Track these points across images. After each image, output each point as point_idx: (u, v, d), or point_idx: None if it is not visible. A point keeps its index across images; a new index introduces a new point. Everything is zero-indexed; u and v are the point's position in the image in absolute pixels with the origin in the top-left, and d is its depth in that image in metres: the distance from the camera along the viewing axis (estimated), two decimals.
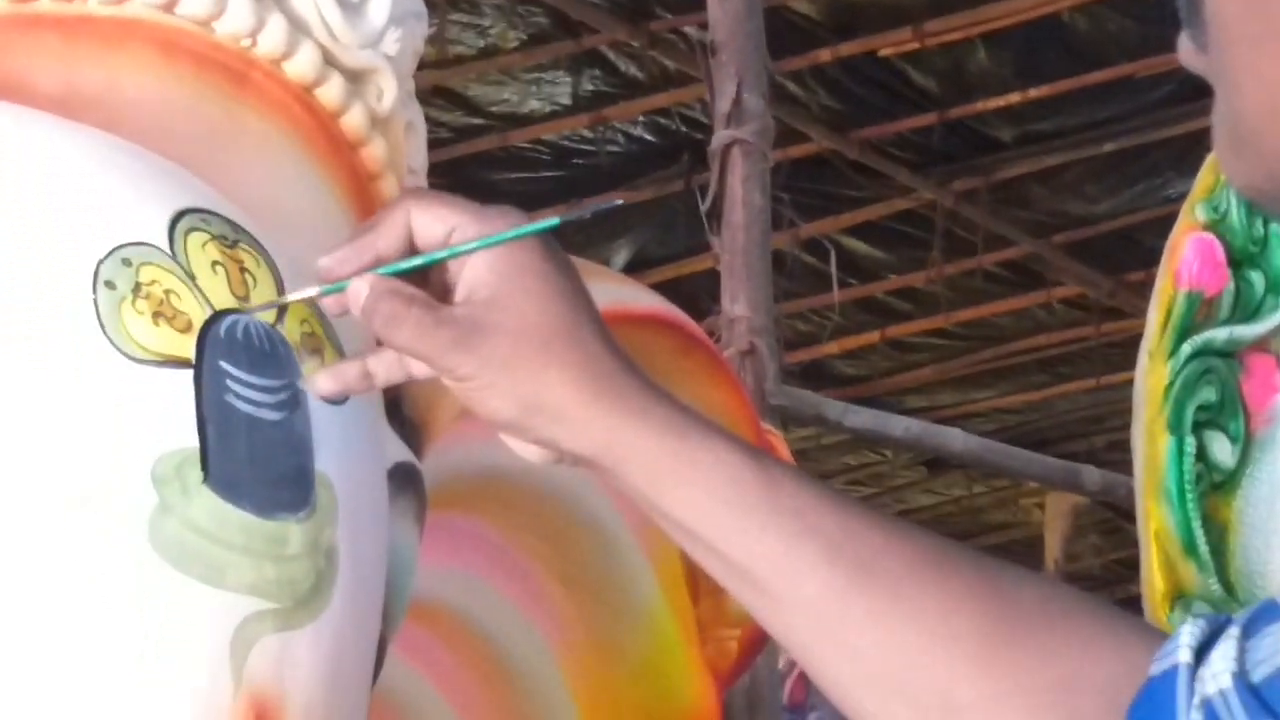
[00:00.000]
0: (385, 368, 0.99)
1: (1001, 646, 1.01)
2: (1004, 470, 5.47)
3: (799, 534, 0.99)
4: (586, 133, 5.78)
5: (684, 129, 5.72)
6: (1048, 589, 1.08)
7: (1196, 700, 0.96)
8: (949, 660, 1.00)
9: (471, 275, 0.99)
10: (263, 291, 0.92)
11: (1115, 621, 1.06)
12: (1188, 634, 0.99)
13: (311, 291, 0.95)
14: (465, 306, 0.98)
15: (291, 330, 0.92)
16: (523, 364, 0.99)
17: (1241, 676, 0.97)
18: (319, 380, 0.94)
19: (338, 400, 0.94)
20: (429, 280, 0.99)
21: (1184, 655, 0.98)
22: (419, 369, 0.99)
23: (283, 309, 0.93)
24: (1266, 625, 0.99)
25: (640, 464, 1.00)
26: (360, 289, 0.95)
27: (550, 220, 1.01)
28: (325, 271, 0.96)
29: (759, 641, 1.55)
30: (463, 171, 5.44)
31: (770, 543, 0.99)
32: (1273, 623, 0.99)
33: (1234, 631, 0.99)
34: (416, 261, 0.97)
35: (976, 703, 1.00)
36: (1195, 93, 5.40)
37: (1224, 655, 0.98)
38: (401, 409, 1.10)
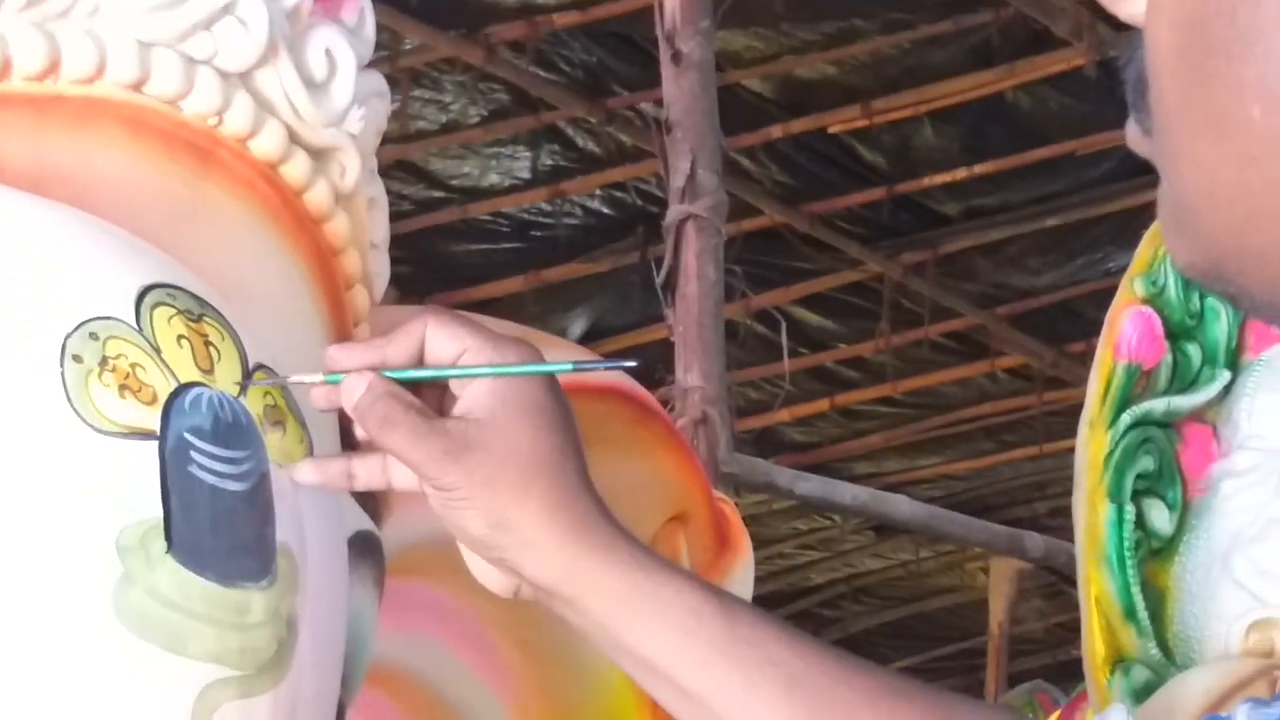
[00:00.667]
0: (367, 471, 1.01)
1: None
2: (949, 536, 5.48)
3: (759, 665, 1.01)
4: (545, 206, 5.80)
5: (639, 203, 5.73)
6: (996, 715, 1.11)
7: None
8: None
9: (472, 394, 1.01)
10: (227, 365, 0.91)
11: None
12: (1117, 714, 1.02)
13: (316, 378, 0.97)
14: (460, 422, 1.00)
15: (254, 403, 0.92)
16: (504, 486, 1.00)
17: None
18: (302, 470, 0.95)
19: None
20: (424, 392, 1.01)
21: None
22: (399, 479, 1.01)
23: (244, 384, 0.92)
24: None
25: (602, 596, 1.02)
26: (355, 385, 0.97)
27: (564, 364, 1.06)
28: (330, 359, 0.98)
29: None
30: (424, 243, 5.45)
31: (729, 675, 1.01)
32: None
33: None
34: (423, 374, 1.00)
35: None
36: (1134, 170, 5.45)
37: None
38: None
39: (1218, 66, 0.78)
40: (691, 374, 2.63)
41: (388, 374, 0.99)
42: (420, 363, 1.01)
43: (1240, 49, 0.77)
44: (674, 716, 1.05)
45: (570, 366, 1.06)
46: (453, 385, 1.02)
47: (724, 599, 1.04)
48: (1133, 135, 0.85)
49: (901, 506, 4.20)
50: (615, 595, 1.01)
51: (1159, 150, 0.82)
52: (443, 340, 1.01)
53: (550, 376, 1.03)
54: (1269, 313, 0.83)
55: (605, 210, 5.83)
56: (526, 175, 5.67)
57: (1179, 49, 0.80)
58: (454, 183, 5.63)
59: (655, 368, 3.60)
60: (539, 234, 5.90)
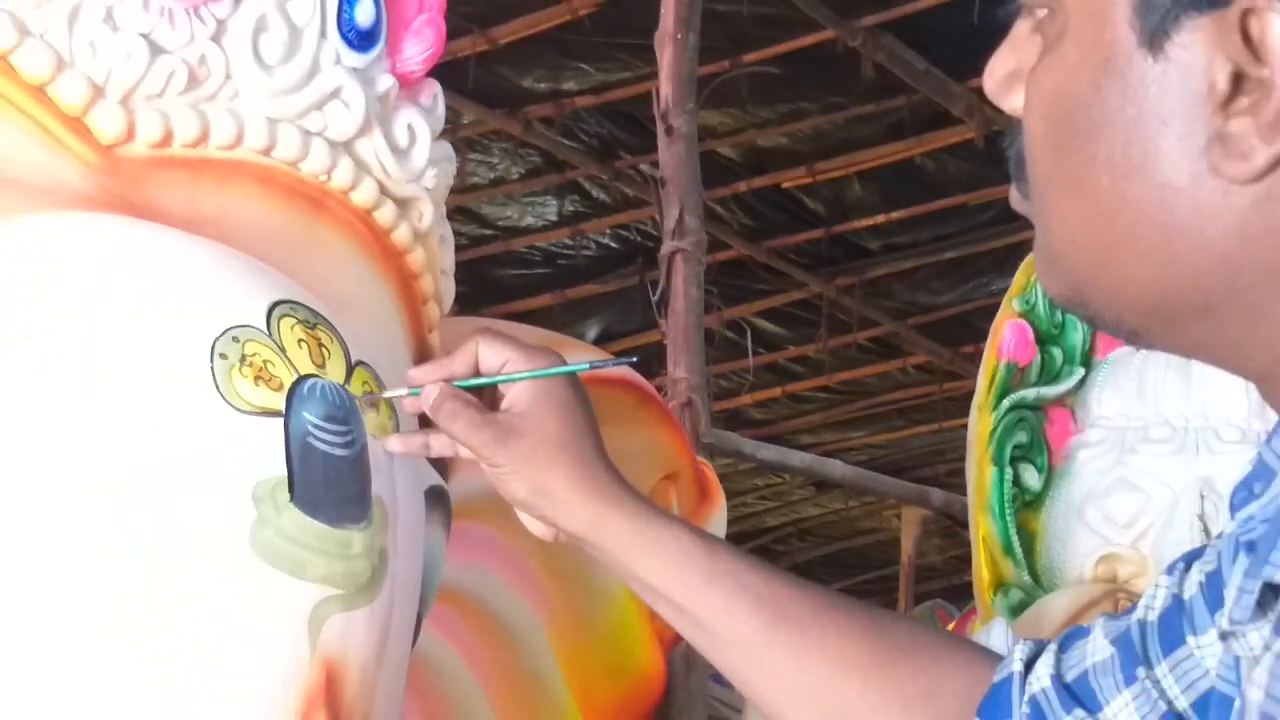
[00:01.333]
0: (439, 444, 1.03)
1: (884, 666, 1.05)
2: (872, 490, 5.47)
3: (733, 589, 1.03)
4: (568, 241, 5.78)
5: (639, 239, 5.72)
6: (915, 627, 1.13)
7: (1025, 698, 0.99)
8: (845, 678, 1.04)
9: (514, 393, 1.03)
10: (335, 361, 0.91)
11: (965, 647, 1.10)
12: (1019, 651, 1.02)
13: (401, 392, 0.99)
14: (505, 415, 1.03)
15: (356, 389, 0.92)
16: (540, 461, 1.02)
17: (1058, 678, 0.98)
18: (391, 441, 0.96)
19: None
20: (483, 393, 1.03)
21: (1016, 665, 1.01)
22: (463, 451, 1.03)
23: (349, 374, 0.92)
24: (1075, 641, 1.00)
25: (617, 540, 1.04)
26: (429, 393, 1.00)
27: (582, 364, 1.07)
28: (412, 378, 1.01)
29: None
30: (476, 269, 5.44)
31: (713, 595, 1.03)
32: (1079, 639, 1.00)
33: (1052, 647, 1.01)
34: (477, 381, 1.02)
35: (865, 707, 1.03)
36: (1011, 217, 5.40)
37: (1045, 664, 1.00)
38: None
39: (1077, 147, 0.78)
40: (679, 369, 2.62)
41: (455, 384, 1.01)
42: (476, 372, 1.03)
43: (1093, 134, 0.77)
44: (672, 626, 1.07)
45: (587, 366, 1.07)
46: (500, 386, 1.02)
47: (708, 539, 1.06)
48: (1014, 198, 0.85)
49: (836, 468, 4.20)
50: (627, 538, 1.03)
51: (1034, 209, 0.82)
52: (490, 354, 1.03)
53: (573, 375, 1.05)
54: (1115, 330, 0.83)
55: (613, 245, 5.82)
56: (554, 218, 5.66)
57: (1048, 134, 0.80)
58: (499, 223, 5.62)
59: (652, 364, 3.61)
60: (563, 262, 5.89)
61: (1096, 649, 0.98)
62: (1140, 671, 0.95)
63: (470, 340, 1.04)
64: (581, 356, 1.41)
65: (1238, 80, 0.72)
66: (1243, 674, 0.82)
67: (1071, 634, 1.02)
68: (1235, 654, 0.83)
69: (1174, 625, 0.94)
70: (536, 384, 1.02)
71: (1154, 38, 0.73)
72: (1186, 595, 0.94)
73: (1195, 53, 0.73)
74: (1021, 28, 0.82)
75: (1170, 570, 0.98)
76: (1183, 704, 0.93)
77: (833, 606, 1.05)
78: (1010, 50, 0.83)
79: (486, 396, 1.04)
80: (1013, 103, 0.82)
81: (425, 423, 1.05)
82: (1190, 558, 0.96)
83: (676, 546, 1.03)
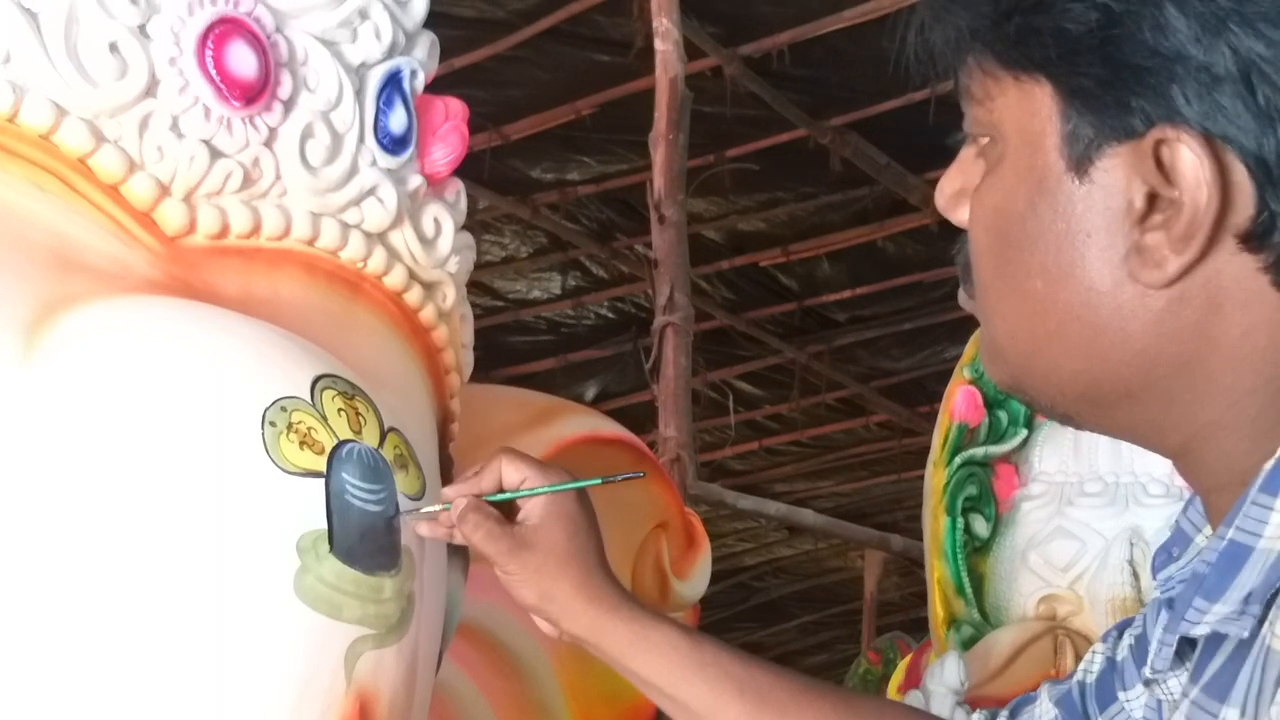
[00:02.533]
0: (460, 534, 1.02)
1: None
2: (838, 534, 5.46)
3: (719, 679, 1.03)
4: (569, 312, 5.78)
5: (633, 310, 5.73)
6: (884, 704, 1.13)
7: None
8: None
9: (530, 508, 1.04)
10: (371, 428, 0.91)
11: None
12: (975, 718, 1.03)
13: (436, 507, 0.99)
14: (520, 528, 1.03)
15: (388, 453, 0.92)
16: (548, 571, 1.03)
17: None
18: (420, 526, 0.95)
19: (417, 498, 0.94)
20: (504, 506, 1.04)
21: None
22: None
23: (383, 439, 0.92)
24: (1024, 707, 1.02)
25: (613, 641, 1.03)
26: (458, 506, 1.00)
27: (593, 480, 1.06)
28: (445, 495, 1.01)
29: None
30: (489, 336, 5.44)
31: (700, 686, 1.03)
32: (1027, 705, 1.01)
33: (1004, 713, 1.02)
34: (499, 496, 1.02)
35: None
36: None
37: None
38: None
39: (1014, 256, 0.79)
40: (669, 428, 2.62)
41: (484, 497, 1.02)
42: (499, 488, 1.03)
43: (1028, 244, 0.78)
44: (667, 713, 1.07)
45: (600, 481, 1.07)
46: (517, 500, 1.03)
47: (695, 636, 1.06)
48: (962, 298, 0.86)
49: (808, 517, 4.19)
50: (623, 639, 1.03)
51: (979, 308, 0.83)
52: (511, 471, 1.04)
53: (582, 491, 1.05)
54: (1050, 413, 0.84)
55: (610, 315, 5.82)
56: (558, 291, 5.66)
57: (990, 245, 0.81)
58: (509, 296, 5.63)
59: (644, 422, 3.61)
60: (565, 330, 5.89)
61: (1043, 712, 1.00)
62: None
63: (494, 459, 1.04)
64: (581, 420, 1.41)
65: (1152, 200, 0.74)
66: (1164, 716, 0.83)
67: (1020, 701, 1.03)
68: (1158, 698, 0.84)
69: (1108, 684, 0.96)
70: (549, 501, 1.03)
71: (1080, 163, 0.75)
72: (1119, 657, 0.95)
73: (1115, 176, 0.75)
74: (967, 153, 0.84)
75: (1105, 638, 0.99)
76: None
77: (810, 689, 1.04)
78: (957, 171, 0.84)
79: (507, 509, 1.04)
80: (960, 216, 0.84)
81: (446, 479, 1.06)
82: (1122, 626, 0.97)
83: (666, 645, 1.03)
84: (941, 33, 0.80)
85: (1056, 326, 0.77)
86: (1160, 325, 0.75)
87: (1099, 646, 0.98)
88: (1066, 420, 0.83)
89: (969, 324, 2.69)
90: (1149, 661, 0.81)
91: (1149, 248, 0.74)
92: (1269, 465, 0.72)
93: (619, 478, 1.11)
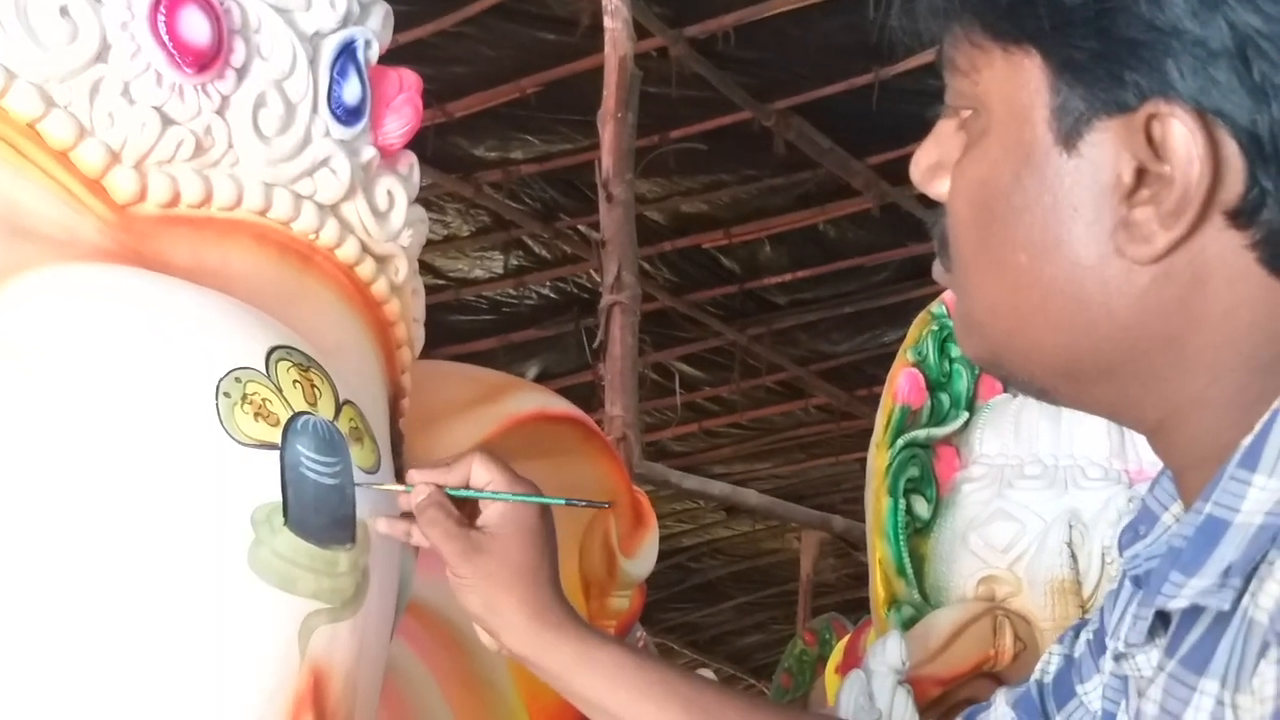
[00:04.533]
0: (418, 536, 1.01)
1: None
2: (777, 515, 5.49)
3: (665, 696, 1.01)
4: (511, 291, 5.78)
5: (575, 290, 5.74)
6: None
7: None
8: None
9: (490, 513, 1.02)
10: (325, 399, 0.90)
11: None
12: None
13: (399, 487, 0.98)
14: (478, 533, 1.02)
15: (344, 426, 0.91)
16: (497, 582, 1.01)
17: None
18: (380, 524, 0.94)
19: (372, 471, 0.93)
20: (463, 504, 1.02)
21: None
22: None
23: (338, 411, 0.91)
24: (978, 714, 1.03)
25: (555, 659, 1.02)
26: (419, 493, 0.98)
27: (558, 498, 1.04)
28: (410, 478, 0.99)
29: (635, 614, 1.55)
30: (430, 315, 5.37)
31: (646, 705, 1.01)
32: (981, 712, 1.02)
33: None
34: (462, 493, 1.01)
35: None
36: (902, 278, 5.50)
37: None
38: (404, 478, 1.10)
39: (998, 229, 0.79)
40: (615, 407, 2.62)
41: (448, 490, 1.00)
42: (467, 485, 1.01)
43: (1012, 218, 0.78)
44: None
45: (563, 501, 1.05)
46: (480, 504, 1.02)
47: (641, 656, 1.05)
48: (937, 271, 0.86)
49: (751, 497, 4.22)
50: (566, 658, 1.02)
51: (956, 282, 0.83)
52: (481, 472, 1.02)
53: (545, 508, 1.04)
54: (1025, 387, 0.84)
55: (552, 295, 5.82)
56: (500, 271, 5.65)
57: (972, 218, 0.81)
58: (451, 275, 5.61)
59: (587, 401, 3.61)
60: (507, 310, 5.88)
61: (999, 716, 1.00)
62: None
63: (467, 456, 1.03)
64: (531, 396, 1.41)
65: (1141, 175, 0.74)
66: (1130, 690, 0.84)
67: (974, 711, 1.04)
68: (1124, 673, 0.84)
69: (1065, 681, 0.97)
70: (511, 511, 1.01)
71: (1069, 137, 0.75)
72: (1076, 654, 0.97)
73: (1105, 150, 0.74)
74: (945, 126, 0.83)
75: (1061, 639, 1.00)
76: None
77: (754, 707, 1.04)
78: (934, 144, 0.83)
79: (467, 508, 1.02)
80: (937, 189, 0.83)
81: (398, 452, 1.05)
82: (1078, 627, 0.99)
83: (612, 664, 1.01)
84: (929, 1, 0.80)
85: (1040, 301, 0.77)
86: (1145, 301, 0.75)
87: (1056, 647, 0.99)
88: (1041, 395, 0.83)
89: (909, 308, 2.71)
90: (1121, 635, 0.82)
91: (1137, 223, 0.74)
92: (1247, 441, 0.72)
93: (583, 503, 1.11)
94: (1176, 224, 0.73)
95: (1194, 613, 0.73)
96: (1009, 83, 0.77)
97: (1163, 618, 0.77)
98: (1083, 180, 0.75)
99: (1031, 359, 0.80)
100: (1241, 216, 0.73)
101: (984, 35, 0.77)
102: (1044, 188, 0.76)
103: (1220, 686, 0.70)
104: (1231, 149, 0.72)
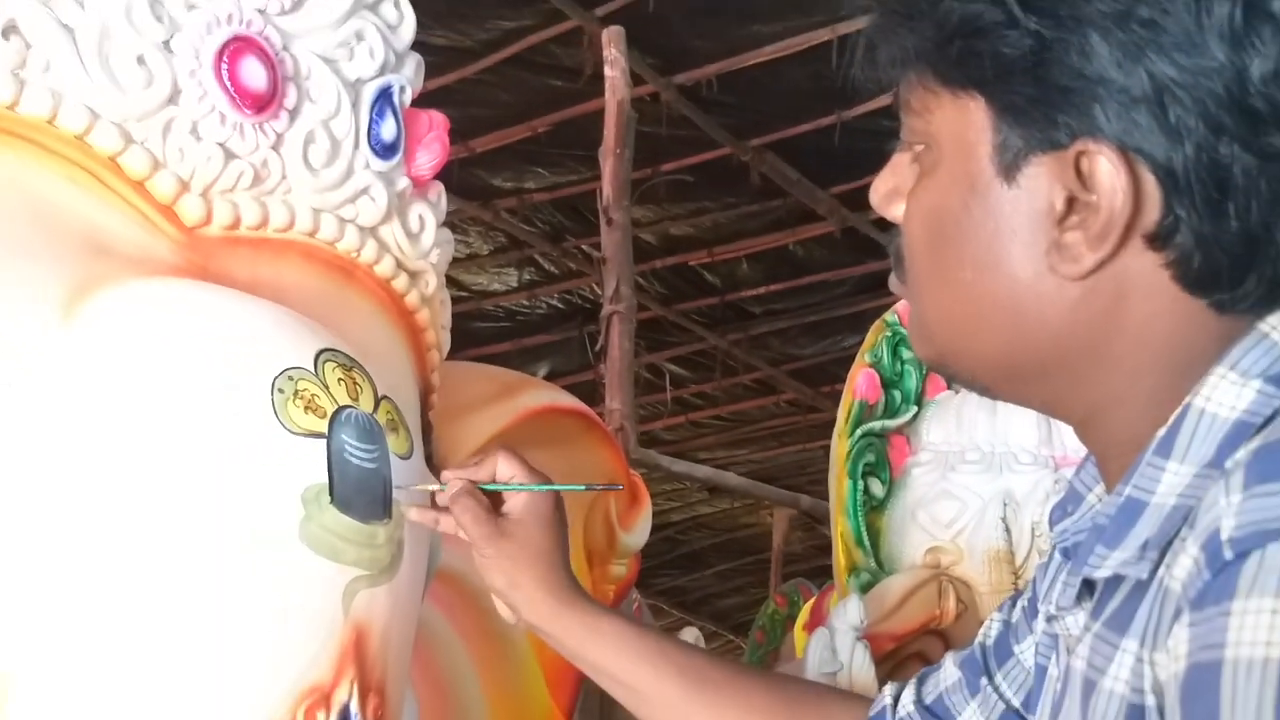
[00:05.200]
0: (446, 525, 1.01)
1: (784, 712, 1.04)
2: (752, 494, 5.49)
3: (661, 663, 1.01)
4: (525, 302, 5.76)
5: (579, 302, 5.72)
6: (807, 684, 1.13)
7: None
8: None
9: (513, 502, 1.03)
10: (366, 397, 0.90)
11: (845, 695, 1.11)
12: (888, 689, 1.04)
13: (436, 485, 0.98)
14: (502, 519, 1.02)
15: (381, 418, 0.91)
16: (519, 561, 1.01)
17: (919, 702, 1.00)
18: (411, 513, 0.94)
19: (405, 457, 0.93)
20: (492, 496, 1.02)
21: (886, 700, 1.03)
22: (462, 535, 1.02)
23: (376, 405, 0.91)
24: (930, 674, 1.02)
25: (568, 630, 1.02)
26: (452, 487, 0.99)
27: (576, 485, 1.06)
28: (445, 477, 0.99)
29: (631, 580, 1.55)
30: (454, 324, 5.34)
31: (644, 668, 1.01)
32: (933, 673, 1.02)
33: (912, 682, 1.02)
34: (490, 486, 1.01)
35: None
36: (860, 291, 5.50)
37: (908, 695, 1.02)
38: (433, 463, 1.09)
39: (947, 249, 0.79)
40: (614, 401, 2.62)
41: (480, 485, 1.01)
42: (494, 479, 1.02)
43: (959, 240, 0.78)
44: (615, 696, 1.05)
45: (583, 487, 1.06)
46: (504, 495, 1.02)
47: (642, 628, 1.05)
48: (893, 283, 0.86)
49: (730, 479, 4.22)
50: (576, 629, 1.02)
51: (911, 294, 0.83)
52: (505, 467, 1.03)
53: (559, 497, 1.04)
54: (969, 384, 0.84)
55: (559, 306, 5.81)
56: (514, 285, 5.64)
57: (925, 239, 0.81)
58: (473, 288, 5.59)
59: (590, 397, 3.61)
60: (521, 318, 5.86)
61: (947, 675, 1.00)
62: (982, 681, 0.97)
63: (494, 455, 1.03)
64: (542, 393, 1.40)
65: (1071, 203, 0.74)
66: (1060, 648, 0.84)
67: (926, 672, 1.04)
68: (1055, 633, 0.84)
69: (1005, 644, 0.97)
70: (531, 501, 1.01)
71: (1009, 170, 0.75)
72: (1013, 620, 0.97)
73: (1040, 182, 0.75)
74: (900, 158, 0.83)
75: (1001, 608, 1.00)
76: (1015, 702, 0.95)
77: (742, 672, 1.04)
78: (890, 173, 0.84)
79: (496, 499, 1.03)
80: (894, 212, 0.83)
81: (428, 438, 1.05)
82: (1015, 597, 0.99)
83: (615, 634, 1.02)
84: (887, 52, 0.80)
85: (983, 312, 0.77)
86: (1075, 312, 0.75)
87: (996, 614, 0.99)
88: (984, 391, 0.83)
89: (866, 317, 2.71)
90: (1053, 599, 0.82)
91: (1067, 245, 0.74)
92: (1161, 432, 0.73)
93: (599, 487, 1.11)
94: (1102, 246, 0.73)
95: (1115, 581, 0.74)
96: (957, 122, 0.77)
97: (1089, 585, 0.77)
98: (1021, 208, 0.75)
99: (976, 361, 0.80)
100: (1158, 240, 0.73)
101: (935, 81, 0.77)
102: (987, 214, 0.76)
103: (1140, 645, 0.70)
104: (1150, 182, 0.72)
